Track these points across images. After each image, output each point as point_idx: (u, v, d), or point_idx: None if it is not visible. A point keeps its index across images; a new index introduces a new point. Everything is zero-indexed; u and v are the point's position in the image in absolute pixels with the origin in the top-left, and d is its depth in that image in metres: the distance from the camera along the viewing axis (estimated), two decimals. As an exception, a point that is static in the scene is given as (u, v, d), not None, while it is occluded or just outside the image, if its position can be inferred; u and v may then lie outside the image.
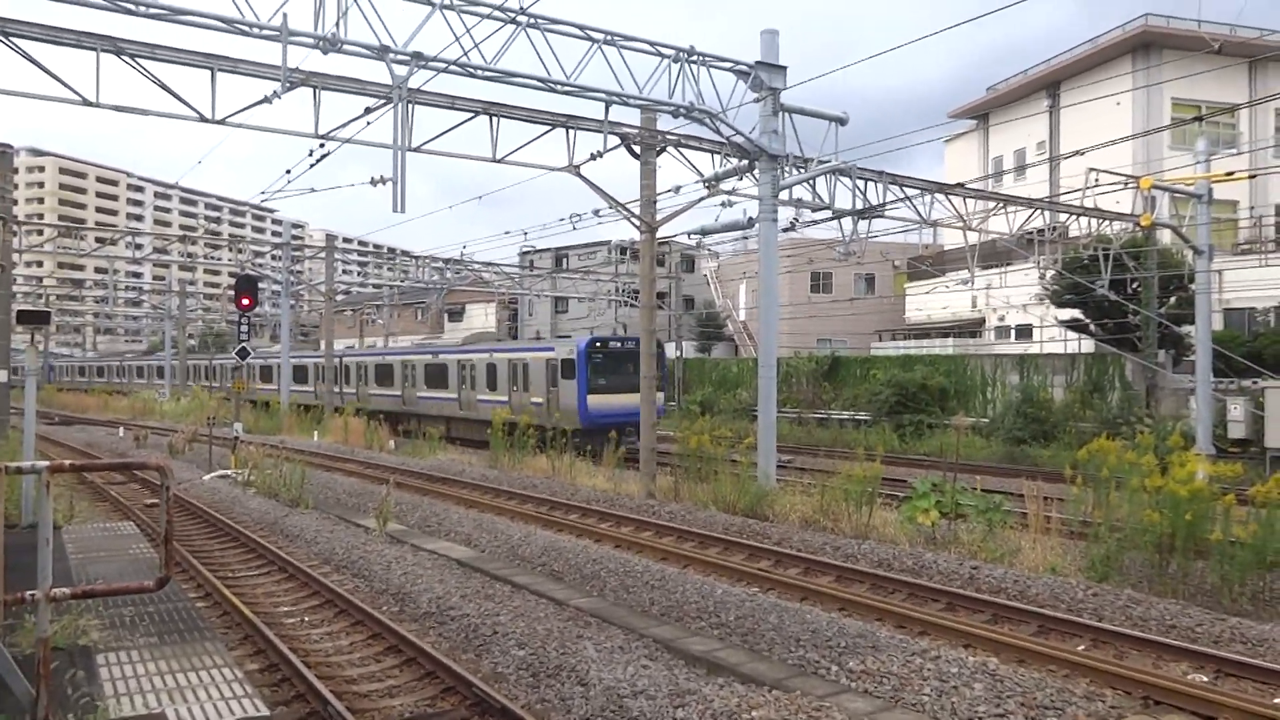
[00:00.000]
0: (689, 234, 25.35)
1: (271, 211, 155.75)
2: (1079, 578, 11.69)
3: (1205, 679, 8.36)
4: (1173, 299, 28.74)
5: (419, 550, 13.89)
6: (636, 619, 10.18)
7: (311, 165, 16.40)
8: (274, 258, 57.72)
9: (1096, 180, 21.86)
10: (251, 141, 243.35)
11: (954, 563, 12.37)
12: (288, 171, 17.13)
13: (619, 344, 27.86)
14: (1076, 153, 18.72)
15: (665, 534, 15.05)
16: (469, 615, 10.16)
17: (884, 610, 10.47)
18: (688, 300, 55.83)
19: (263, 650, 9.19)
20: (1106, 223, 24.46)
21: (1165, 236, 27.45)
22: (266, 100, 14.23)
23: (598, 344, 27.62)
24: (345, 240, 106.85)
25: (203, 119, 14.26)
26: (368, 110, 14.60)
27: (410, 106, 14.94)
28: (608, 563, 12.61)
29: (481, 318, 62.98)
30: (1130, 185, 22.80)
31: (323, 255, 39.56)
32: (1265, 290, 30.85)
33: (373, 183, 16.90)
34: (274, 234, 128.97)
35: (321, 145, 15.45)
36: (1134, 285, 27.57)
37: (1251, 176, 30.33)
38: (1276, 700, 7.80)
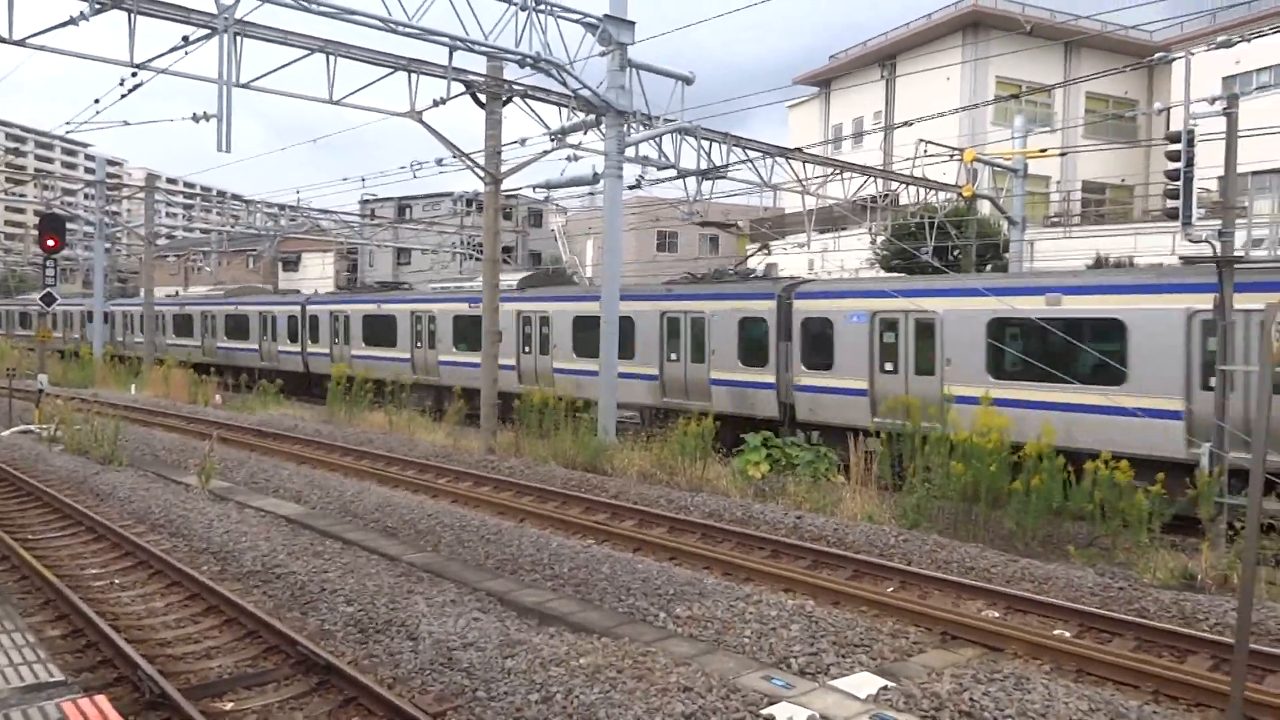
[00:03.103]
0: (534, 187, 25.10)
1: (85, 146, 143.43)
2: (893, 525, 12.48)
3: (997, 615, 9.13)
4: (989, 266, 30.71)
5: (244, 508, 13.35)
6: (470, 573, 10.17)
7: (123, 95, 15.19)
8: (87, 196, 53.30)
9: (925, 151, 23.00)
10: (61, 67, 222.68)
11: (780, 513, 12.95)
12: (96, 101, 15.79)
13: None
14: (905, 123, 19.57)
15: (504, 489, 15.04)
16: (296, 573, 9.88)
17: (712, 559, 10.87)
18: (535, 255, 55.37)
19: (66, 615, 8.65)
20: (933, 192, 25.81)
21: (985, 207, 29.20)
22: (72, 21, 13.06)
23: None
24: (169, 181, 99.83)
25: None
26: (186, 40, 13.61)
27: (239, 39, 14.05)
28: (444, 518, 12.51)
29: (319, 268, 60.44)
30: (955, 157, 24.12)
31: (142, 196, 36.87)
32: (1072, 260, 33.40)
33: (195, 119, 15.80)
34: (87, 170, 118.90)
35: (134, 75, 14.30)
36: (955, 252, 29.28)
37: (1062, 154, 32.65)
38: (1056, 631, 8.61)
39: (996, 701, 6.56)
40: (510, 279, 26.61)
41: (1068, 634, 8.55)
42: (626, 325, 20.34)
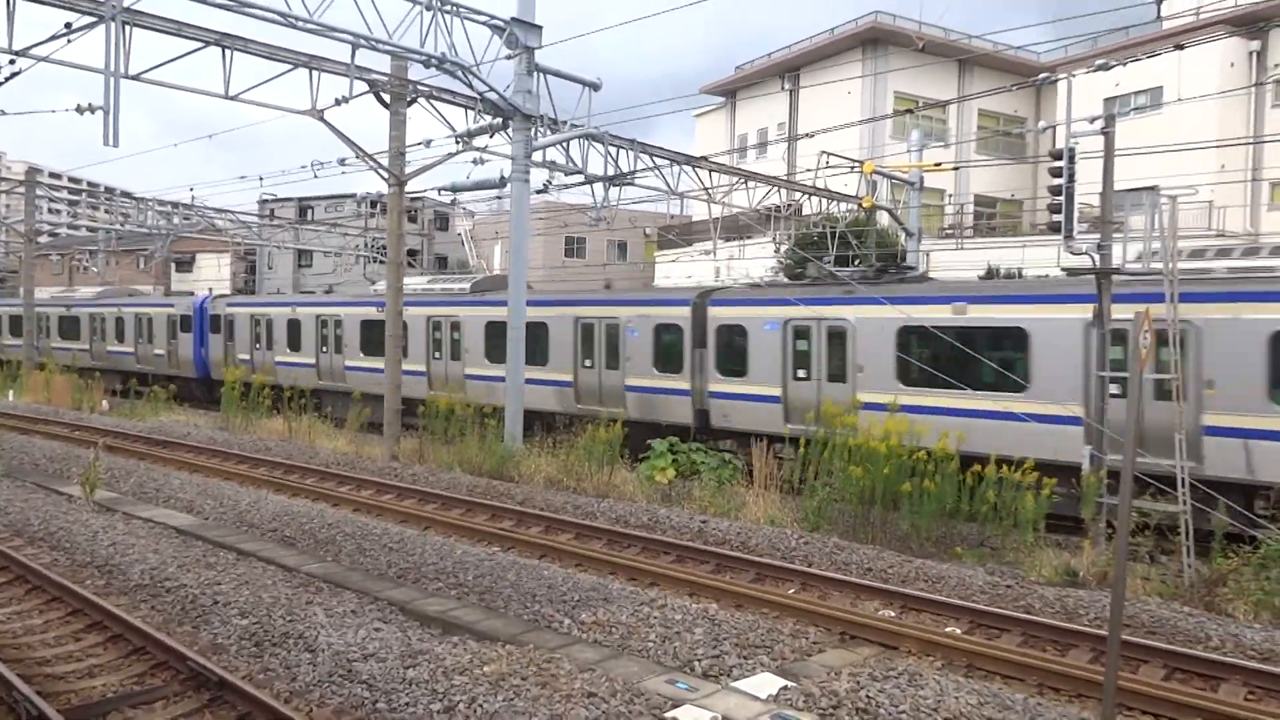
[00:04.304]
0: (439, 190, 24.76)
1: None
2: (795, 528, 12.75)
3: (893, 614, 9.42)
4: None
5: (131, 519, 12.80)
6: (372, 582, 9.98)
7: (0, 84, 14.41)
8: (-40, 190, 50.37)
9: (827, 162, 23.54)
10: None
11: (686, 518, 13.08)
12: (-30, 90, 14.94)
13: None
14: (808, 135, 20.02)
15: (407, 496, 14.78)
16: (187, 586, 9.53)
17: (618, 564, 10.91)
18: (441, 259, 54.59)
19: (-67, 634, 8.15)
20: (834, 202, 26.46)
21: (884, 218, 30.06)
22: (-57, 6, 12.33)
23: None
24: (53, 175, 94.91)
25: None
26: (69, 27, 13.00)
27: (127, 28, 13.48)
28: (345, 527, 12.24)
29: (214, 269, 58.34)
30: (856, 169, 24.78)
31: (22, 190, 34.99)
32: (965, 270, 34.67)
33: (79, 111, 15.08)
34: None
35: (12, 62, 13.60)
36: (855, 261, 30.05)
37: (955, 168, 33.84)
38: (948, 629, 8.93)
39: (891, 698, 6.77)
40: (418, 282, 26.20)
41: (959, 631, 8.88)
42: (540, 331, 20.29)
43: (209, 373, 30.63)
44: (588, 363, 20.09)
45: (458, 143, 18.67)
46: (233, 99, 15.18)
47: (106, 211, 49.17)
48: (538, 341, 20.17)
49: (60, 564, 10.65)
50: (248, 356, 28.93)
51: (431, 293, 24.71)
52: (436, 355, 23.33)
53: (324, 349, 26.54)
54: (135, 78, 14.05)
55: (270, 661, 7.60)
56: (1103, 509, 11.86)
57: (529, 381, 18.86)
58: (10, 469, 16.30)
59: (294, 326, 27.67)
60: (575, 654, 7.72)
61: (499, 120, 18.00)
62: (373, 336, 24.20)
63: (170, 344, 31.90)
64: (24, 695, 6.55)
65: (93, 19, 13.21)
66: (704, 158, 23.50)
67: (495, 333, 21.23)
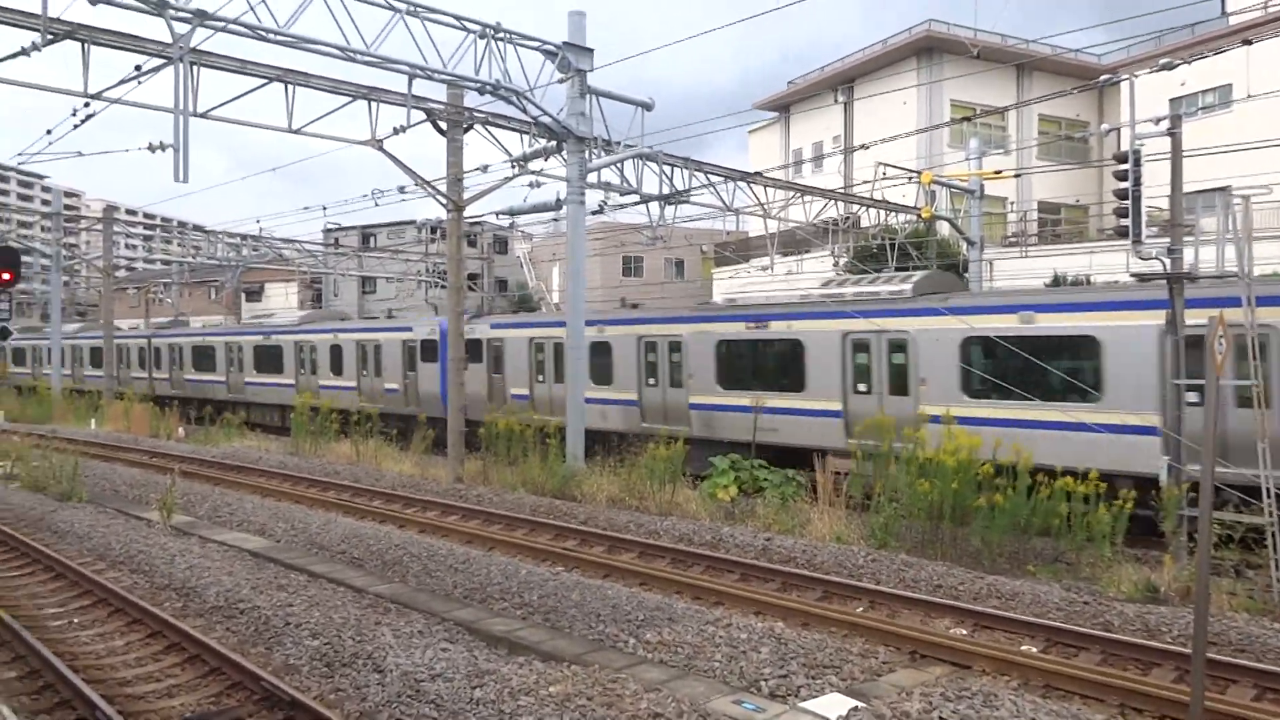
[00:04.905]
0: (497, 214, 25.08)
1: (40, 178, 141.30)
2: (861, 545, 12.54)
3: (965, 632, 9.19)
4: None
5: (207, 542, 13.13)
6: (438, 603, 10.07)
7: (76, 126, 15.01)
8: (44, 229, 52.40)
9: (884, 174, 23.33)
10: (16, 99, 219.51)
11: (750, 535, 12.97)
12: (48, 131, 15.61)
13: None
14: (863, 146, 19.85)
15: (471, 517, 14.92)
16: (260, 607, 9.72)
17: (682, 583, 10.84)
18: (501, 282, 55.26)
19: (23, 656, 8.43)
20: (893, 214, 26.16)
21: (944, 228, 29.63)
22: (24, 52, 12.92)
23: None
24: (128, 212, 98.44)
25: (-52, 71, 12.82)
26: (138, 69, 13.52)
27: (195, 69, 13.97)
28: (411, 548, 12.39)
29: (282, 298, 59.91)
30: (913, 179, 24.49)
31: (100, 228, 36.39)
32: (1029, 279, 33.98)
33: (151, 149, 15.65)
34: (44, 203, 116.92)
35: (87, 105, 14.17)
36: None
37: (1017, 175, 33.27)
38: (1023, 647, 8.69)
39: (966, 719, 6.60)
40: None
41: (1034, 649, 8.63)
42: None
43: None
44: (652, 381, 20.08)
45: (513, 167, 18.93)
46: (296, 132, 15.60)
47: (179, 245, 50.84)
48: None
49: (140, 587, 10.96)
50: (525, 390, 23.19)
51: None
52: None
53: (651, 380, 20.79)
54: (203, 115, 14.52)
55: (340, 681, 7.70)
56: (1183, 522, 11.45)
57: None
58: (94, 495, 16.85)
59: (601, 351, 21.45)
60: (640, 674, 7.68)
61: (553, 143, 18.21)
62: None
63: (407, 377, 26.27)
64: (105, 715, 6.74)
65: (162, 60, 13.71)
66: (758, 173, 23.44)
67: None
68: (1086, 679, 7.75)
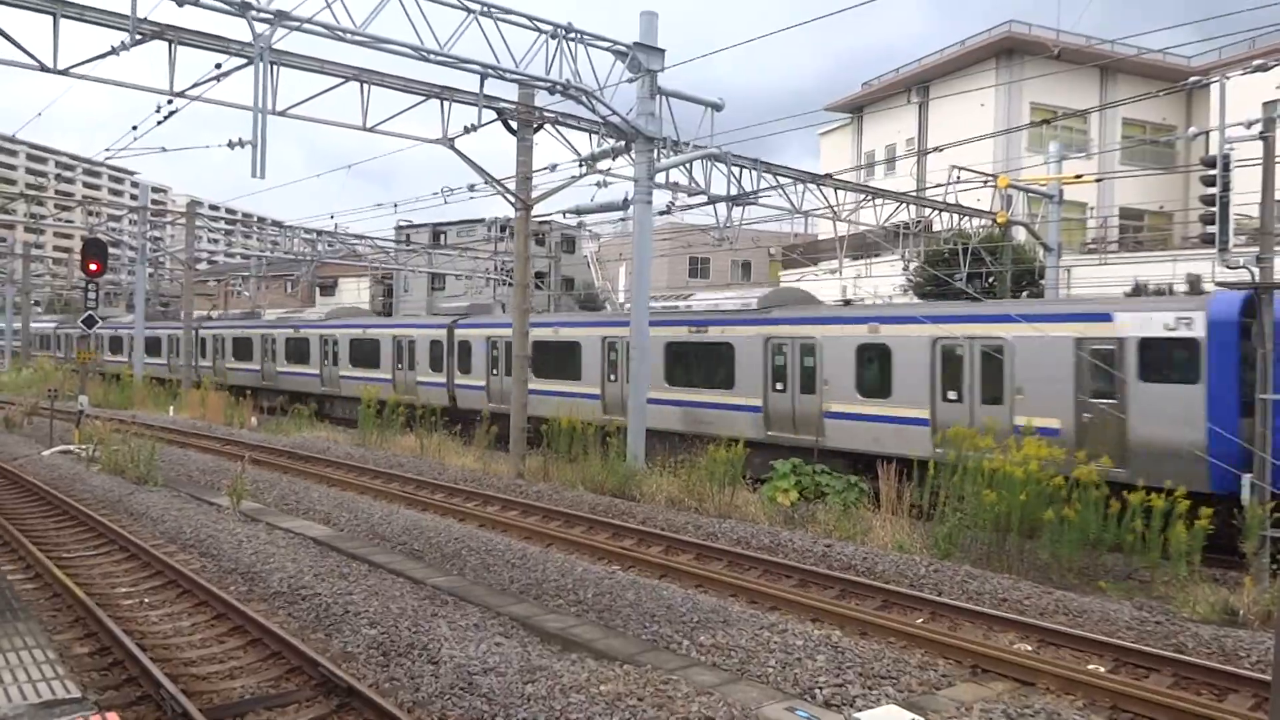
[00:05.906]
0: (565, 213, 25.24)
1: (131, 174, 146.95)
2: (924, 555, 12.27)
3: (1029, 648, 8.91)
4: (1025, 293, 30.35)
5: (274, 529, 13.44)
6: (494, 597, 10.14)
7: (159, 122, 15.52)
8: (132, 222, 54.45)
9: (959, 177, 22.84)
10: (108, 98, 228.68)
11: (809, 541, 12.79)
12: (134, 128, 16.17)
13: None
14: (938, 149, 19.46)
15: (531, 513, 15.01)
16: (321, 595, 9.90)
17: (739, 587, 10.74)
18: (568, 281, 55.60)
19: (95, 633, 8.73)
20: (967, 218, 25.60)
21: (1020, 234, 28.93)
22: (114, 52, 13.40)
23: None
24: (210, 207, 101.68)
25: (44, 68, 13.38)
26: (219, 68, 13.92)
27: (275, 68, 14.32)
28: (470, 541, 12.51)
29: (354, 292, 61.22)
30: (989, 183, 23.93)
31: (183, 221, 37.62)
32: (1109, 287, 32.94)
33: (230, 145, 16.12)
34: (133, 197, 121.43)
35: (170, 102, 14.64)
36: (990, 279, 28.98)
37: (1098, 180, 32.28)
38: (1090, 666, 8.39)
39: (1026, 737, 6.39)
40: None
41: (1102, 669, 8.33)
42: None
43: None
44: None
45: (582, 166, 19.01)
46: (370, 130, 15.90)
47: (257, 239, 52.29)
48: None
49: (208, 570, 11.27)
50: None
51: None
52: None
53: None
54: (281, 113, 14.89)
55: (396, 671, 7.79)
56: (1265, 543, 10.95)
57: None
58: (168, 480, 17.40)
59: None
60: (693, 676, 7.62)
61: (622, 143, 18.24)
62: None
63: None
64: (170, 694, 6.92)
65: (242, 60, 14.09)
66: (829, 175, 23.14)
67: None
68: (1156, 701, 7.44)
